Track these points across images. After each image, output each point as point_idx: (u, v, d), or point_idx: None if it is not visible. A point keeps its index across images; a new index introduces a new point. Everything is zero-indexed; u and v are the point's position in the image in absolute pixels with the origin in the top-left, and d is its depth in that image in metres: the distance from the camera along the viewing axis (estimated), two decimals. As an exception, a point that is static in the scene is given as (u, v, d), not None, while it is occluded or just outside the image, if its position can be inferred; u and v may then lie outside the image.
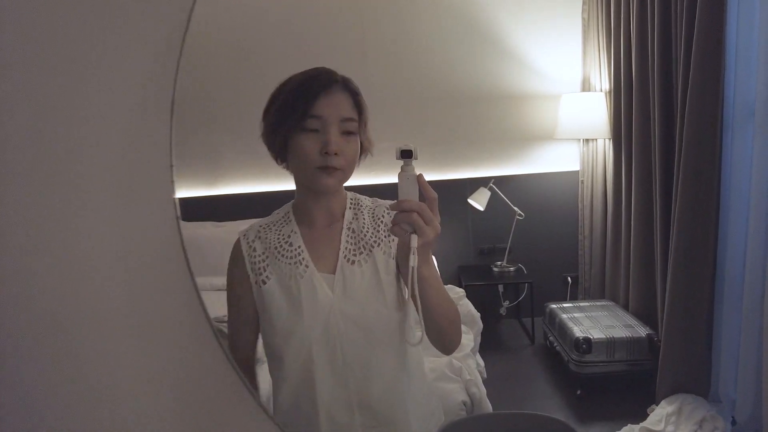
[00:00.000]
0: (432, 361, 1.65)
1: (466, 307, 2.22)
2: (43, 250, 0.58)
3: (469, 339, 1.96)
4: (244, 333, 0.89)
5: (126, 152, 0.59)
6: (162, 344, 0.64)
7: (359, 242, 0.87)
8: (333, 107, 0.80)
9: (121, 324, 0.62)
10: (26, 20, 0.56)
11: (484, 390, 1.62)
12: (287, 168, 0.87)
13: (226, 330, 0.91)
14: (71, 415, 0.61)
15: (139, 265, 0.62)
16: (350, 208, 0.90)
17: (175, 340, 0.65)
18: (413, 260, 0.68)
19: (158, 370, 0.64)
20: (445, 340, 0.84)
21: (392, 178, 0.69)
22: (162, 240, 0.62)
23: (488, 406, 1.59)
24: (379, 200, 0.94)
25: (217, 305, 0.84)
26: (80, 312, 0.60)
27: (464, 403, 1.54)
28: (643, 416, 1.99)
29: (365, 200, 0.93)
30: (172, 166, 0.59)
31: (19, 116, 0.56)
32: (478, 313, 2.18)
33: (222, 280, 0.91)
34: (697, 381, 2.00)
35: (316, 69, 0.83)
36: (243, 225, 0.93)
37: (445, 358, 1.66)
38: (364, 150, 0.86)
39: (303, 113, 0.78)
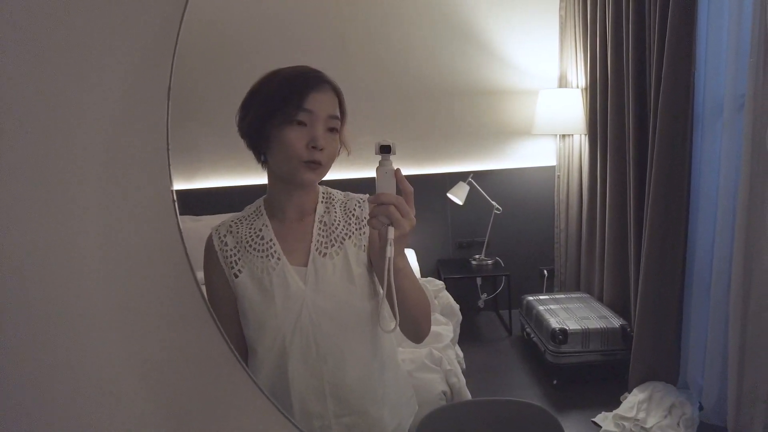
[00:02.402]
0: (412, 351, 1.67)
1: (446, 299, 2.24)
2: (38, 238, 0.58)
3: (449, 330, 1.99)
4: (226, 326, 0.89)
5: (121, 138, 0.59)
6: (161, 335, 0.64)
7: (331, 235, 0.89)
8: (323, 104, 0.82)
9: (117, 314, 0.62)
10: (20, 9, 0.55)
11: (463, 380, 1.65)
12: (264, 164, 0.88)
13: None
14: (71, 408, 0.61)
15: (136, 251, 0.62)
16: (322, 202, 0.92)
17: (174, 331, 0.65)
18: (390, 251, 0.71)
19: (159, 361, 0.64)
20: (416, 328, 0.87)
21: (371, 173, 0.72)
22: (159, 229, 0.62)
23: (467, 396, 1.62)
24: (351, 194, 0.95)
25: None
26: (76, 306, 0.60)
27: (444, 393, 1.57)
28: (617, 404, 2.05)
29: (337, 194, 0.94)
30: (168, 149, 0.59)
31: (14, 109, 0.56)
32: (457, 305, 2.22)
33: (200, 274, 0.91)
34: (667, 369, 2.07)
35: (304, 66, 0.85)
36: (221, 219, 0.93)
37: (425, 349, 1.68)
38: (341, 148, 0.89)
39: (296, 106, 0.80)
